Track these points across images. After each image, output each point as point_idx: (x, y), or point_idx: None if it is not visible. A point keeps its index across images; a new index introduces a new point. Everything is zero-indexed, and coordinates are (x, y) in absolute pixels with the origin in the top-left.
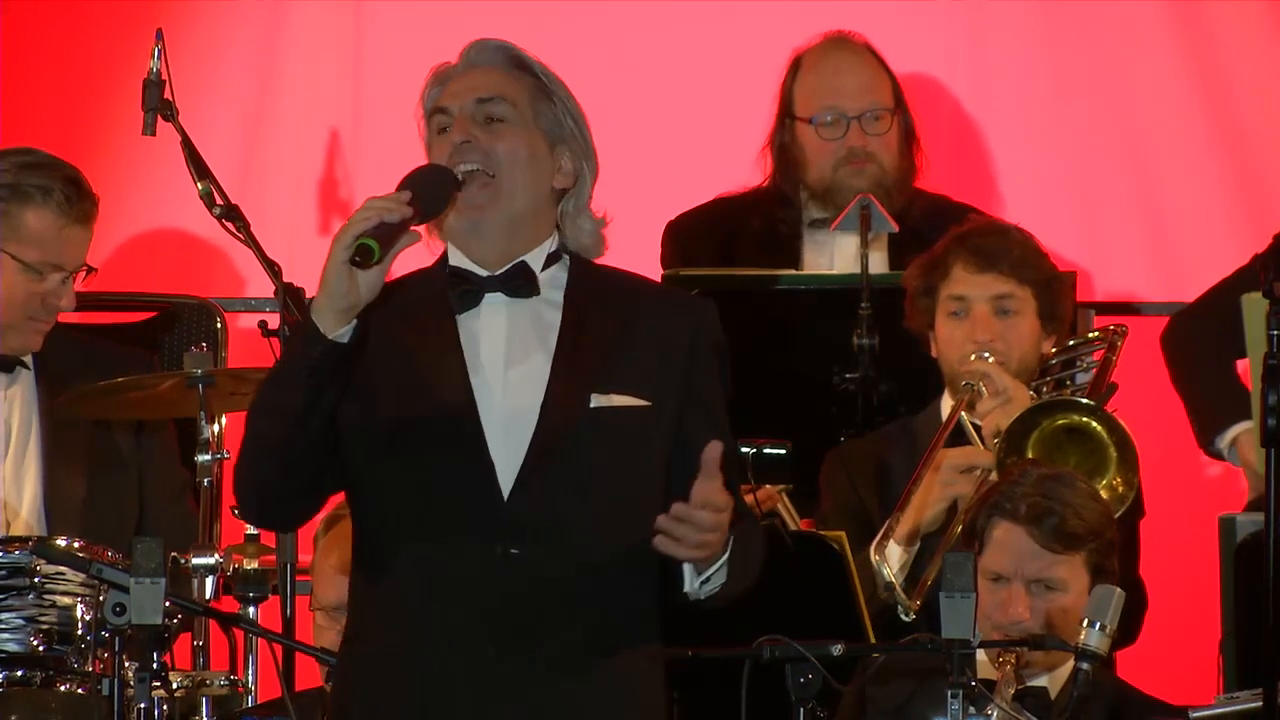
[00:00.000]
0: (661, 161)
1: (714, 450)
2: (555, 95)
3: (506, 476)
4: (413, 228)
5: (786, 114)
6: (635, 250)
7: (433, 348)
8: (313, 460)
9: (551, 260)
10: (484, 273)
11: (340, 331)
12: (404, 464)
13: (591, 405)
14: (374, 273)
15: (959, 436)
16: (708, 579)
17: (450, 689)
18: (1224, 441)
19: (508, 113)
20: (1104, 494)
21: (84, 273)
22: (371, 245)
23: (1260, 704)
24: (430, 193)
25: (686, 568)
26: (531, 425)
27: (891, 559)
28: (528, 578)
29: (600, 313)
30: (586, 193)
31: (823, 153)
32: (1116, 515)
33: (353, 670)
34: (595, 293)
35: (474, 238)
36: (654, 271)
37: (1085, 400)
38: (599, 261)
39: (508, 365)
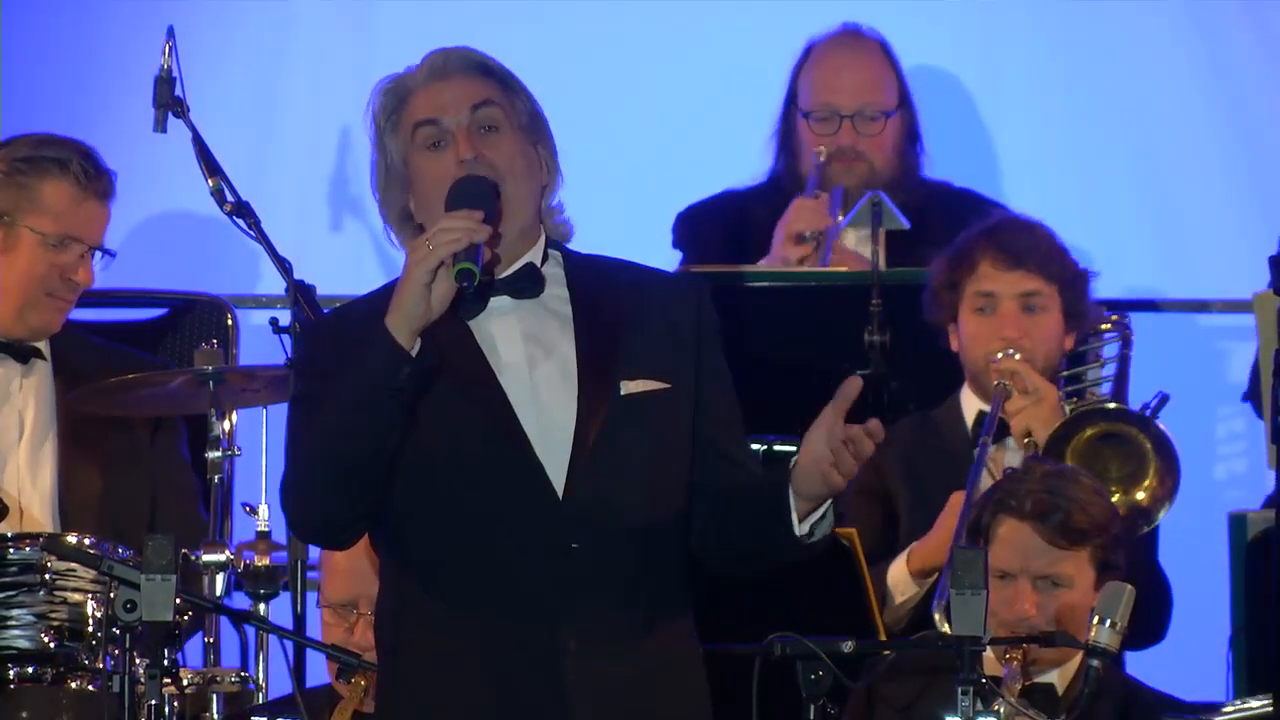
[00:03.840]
0: (673, 153)
1: (853, 386)
2: (522, 93)
3: (556, 474)
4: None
5: (792, 102)
6: (646, 240)
7: (454, 358)
8: (384, 480)
9: (545, 256)
10: (487, 277)
11: (414, 349)
12: (451, 475)
13: (622, 393)
14: (448, 290)
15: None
16: (818, 522)
17: (526, 685)
18: None
19: (500, 118)
20: (1143, 497)
21: (101, 255)
22: (474, 269)
23: (1269, 709)
24: (489, 208)
25: (793, 513)
26: (569, 420)
27: (899, 585)
28: (589, 569)
29: (607, 301)
30: (557, 185)
31: (815, 147)
32: (1157, 519)
33: (408, 678)
34: (596, 282)
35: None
36: (666, 261)
37: (1125, 408)
38: (578, 249)
39: (531, 365)
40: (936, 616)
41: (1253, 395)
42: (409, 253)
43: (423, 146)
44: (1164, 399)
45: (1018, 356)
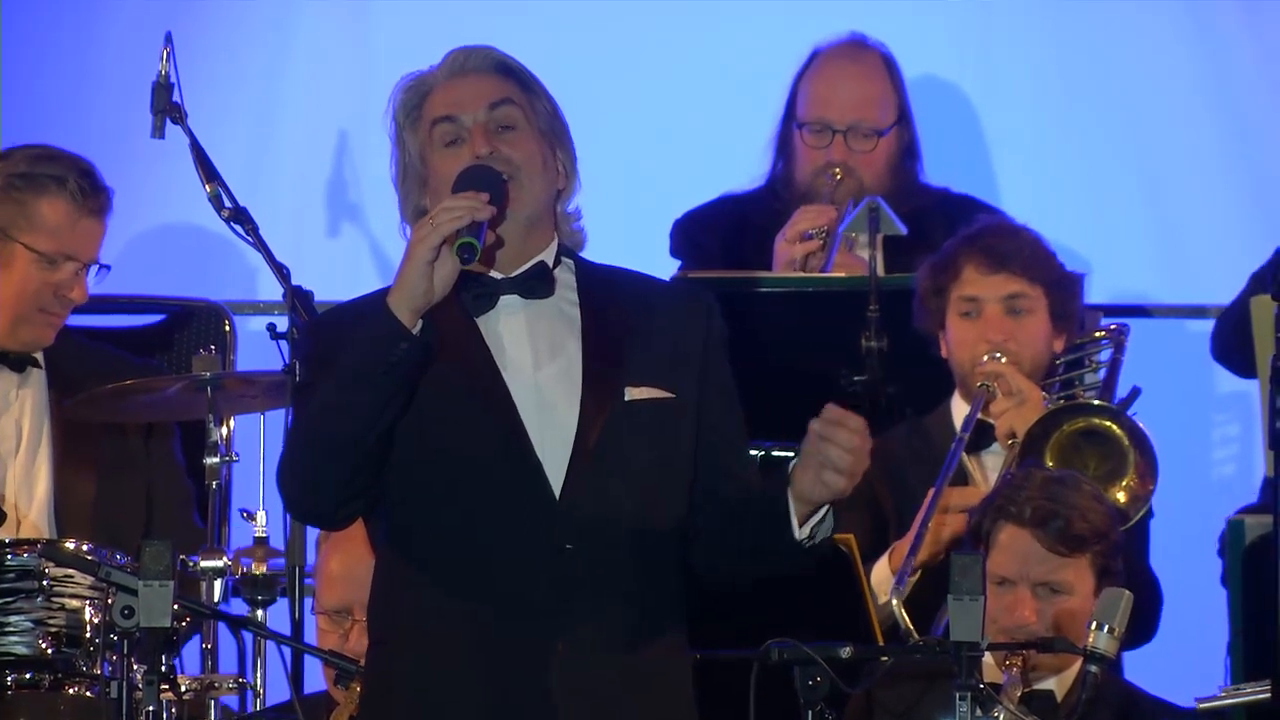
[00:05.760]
0: (671, 158)
1: (835, 411)
2: (543, 96)
3: (555, 475)
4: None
5: (792, 108)
6: (644, 245)
7: (460, 353)
8: (381, 458)
9: (557, 261)
10: (498, 275)
11: (415, 329)
12: (449, 469)
13: (626, 399)
14: (451, 270)
15: (971, 445)
16: (818, 524)
17: (513, 685)
18: None
19: (518, 117)
20: (1122, 496)
21: (96, 269)
22: (475, 244)
23: (1266, 695)
24: (495, 193)
25: (793, 517)
26: (571, 423)
27: (882, 585)
28: (582, 572)
29: (615, 309)
30: (574, 190)
31: (807, 159)
32: (1136, 518)
33: (395, 670)
34: (606, 289)
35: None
36: (661, 267)
37: (1102, 403)
38: (592, 259)
39: (537, 366)
40: (894, 603)
41: (1218, 349)
42: (412, 232)
43: (440, 144)
44: (1136, 393)
45: (1003, 359)
